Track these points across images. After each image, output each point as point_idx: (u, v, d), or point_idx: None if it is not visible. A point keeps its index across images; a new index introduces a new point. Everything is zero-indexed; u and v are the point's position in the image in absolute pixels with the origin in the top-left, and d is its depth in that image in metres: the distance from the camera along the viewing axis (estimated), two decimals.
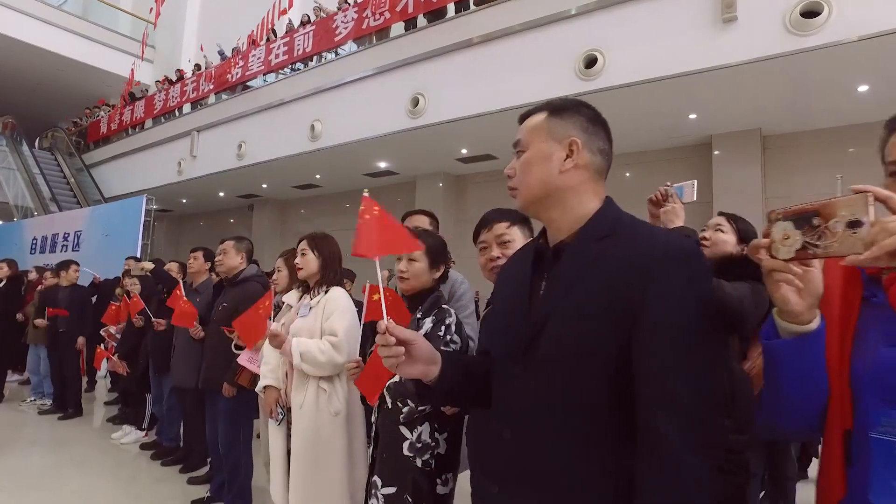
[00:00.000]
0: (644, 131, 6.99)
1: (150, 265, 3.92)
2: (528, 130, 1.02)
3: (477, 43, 6.75)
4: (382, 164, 9.33)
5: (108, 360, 4.69)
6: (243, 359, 2.57)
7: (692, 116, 6.44)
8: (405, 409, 1.66)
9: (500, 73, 6.50)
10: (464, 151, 8.45)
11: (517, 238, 1.57)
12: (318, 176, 10.18)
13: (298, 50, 8.96)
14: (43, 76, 13.88)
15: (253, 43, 9.99)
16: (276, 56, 9.29)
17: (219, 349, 2.90)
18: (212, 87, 10.53)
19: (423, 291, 1.79)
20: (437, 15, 7.42)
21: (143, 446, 4.27)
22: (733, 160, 6.77)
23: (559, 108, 1.01)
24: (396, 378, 1.70)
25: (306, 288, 2.37)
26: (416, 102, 7.26)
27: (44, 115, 15.45)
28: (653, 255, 0.84)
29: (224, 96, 10.46)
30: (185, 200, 12.67)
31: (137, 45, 14.40)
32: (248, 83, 10.00)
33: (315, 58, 8.92)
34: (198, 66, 11.24)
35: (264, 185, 10.94)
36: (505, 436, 0.92)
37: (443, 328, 1.70)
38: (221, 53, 11.02)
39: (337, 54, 8.73)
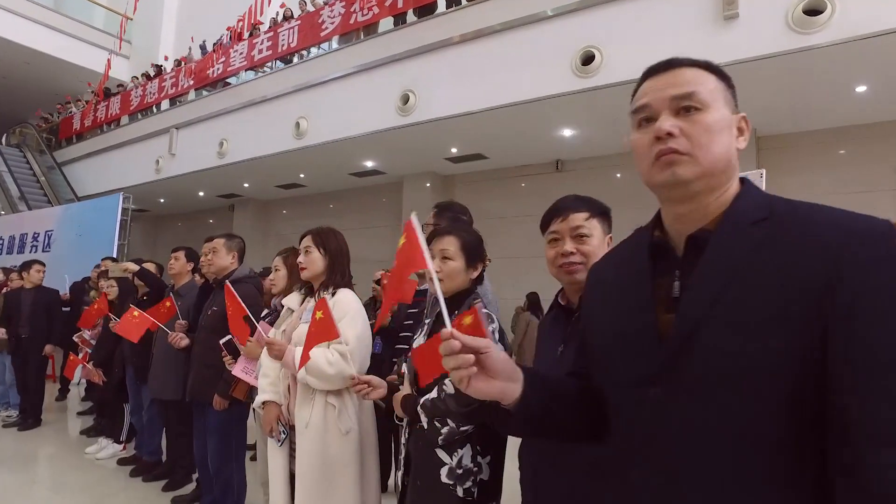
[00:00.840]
0: None
1: (133, 266, 3.64)
2: (707, 87, 0.81)
3: (470, 39, 6.58)
4: (369, 164, 9.09)
5: (82, 367, 4.39)
6: (238, 369, 2.34)
7: None
8: (444, 430, 1.46)
9: (495, 70, 6.34)
10: (454, 150, 8.27)
11: (596, 233, 1.34)
12: (302, 175, 9.89)
13: (283, 45, 8.69)
14: (9, 69, 13.30)
15: (236, 37, 9.67)
16: (260, 51, 9.00)
17: (208, 358, 2.67)
18: (192, 82, 10.18)
19: (459, 293, 1.60)
20: (426, 10, 7.24)
21: (122, 461, 3.98)
22: None
23: (726, 76, 0.85)
24: (432, 394, 1.50)
25: (310, 290, 2.14)
26: (406, 99, 7.05)
27: (11, 110, 14.83)
28: (846, 240, 0.64)
29: (205, 92, 10.11)
30: (162, 200, 12.24)
31: (112, 39, 13.91)
32: (229, 79, 9.68)
33: (300, 53, 8.66)
34: (178, 62, 10.87)
35: (246, 185, 10.61)
36: (645, 481, 0.72)
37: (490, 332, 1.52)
38: (203, 48, 10.67)
39: (321, 49, 8.49)
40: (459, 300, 1.60)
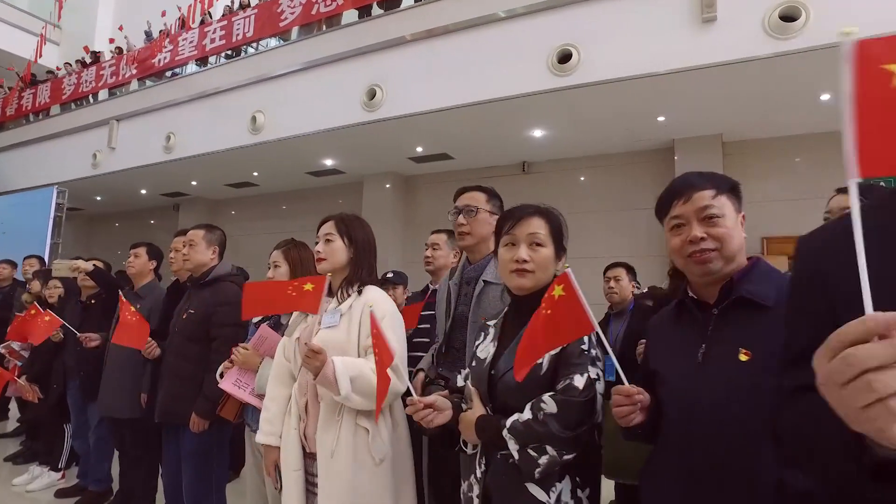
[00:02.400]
0: (609, 132, 6.88)
1: (84, 264, 3.17)
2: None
3: (442, 33, 6.36)
4: (329, 162, 8.70)
5: (10, 383, 3.83)
6: (227, 384, 1.99)
7: (660, 119, 6.38)
8: (543, 460, 1.20)
9: (468, 66, 6.15)
10: (419, 150, 8.02)
11: (728, 212, 1.15)
12: (255, 173, 9.37)
13: (237, 35, 8.18)
14: None
15: (184, 24, 9.05)
16: (212, 41, 8.44)
17: (183, 369, 2.30)
18: (134, 71, 9.44)
19: (542, 292, 1.36)
20: (392, 3, 6.98)
21: (61, 492, 3.46)
22: (696, 166, 6.74)
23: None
24: (524, 415, 1.24)
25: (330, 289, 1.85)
26: (372, 94, 6.75)
27: None
28: None
29: (149, 83, 9.42)
30: (99, 198, 11.33)
31: (39, 22, 12.81)
32: (178, 69, 9.04)
33: (256, 44, 8.18)
34: (119, 50, 10.08)
35: (194, 183, 9.94)
36: None
37: (585, 340, 1.28)
38: (148, 34, 9.95)
39: (280, 41, 8.05)
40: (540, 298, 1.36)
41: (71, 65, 11.03)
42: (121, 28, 10.81)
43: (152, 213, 12.01)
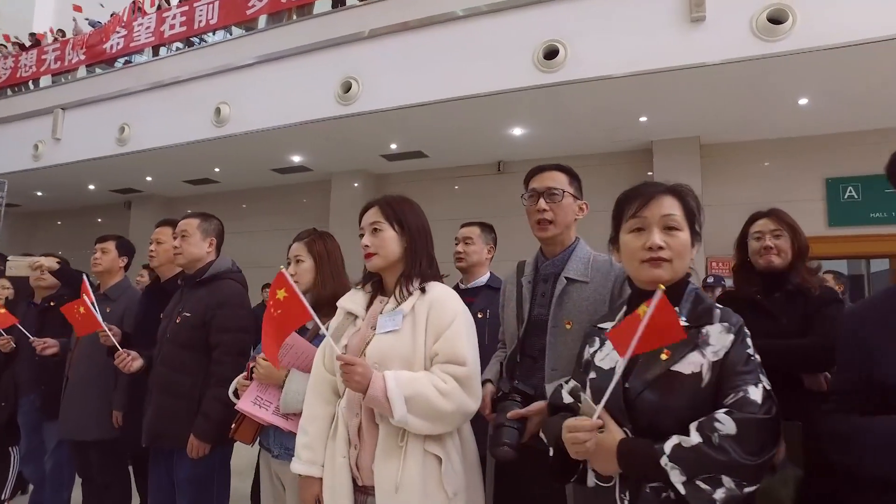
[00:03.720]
0: (590, 132, 6.81)
1: (47, 261, 2.76)
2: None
3: (424, 25, 6.13)
4: (297, 158, 8.32)
5: None
6: (246, 403, 1.69)
7: (642, 119, 6.35)
8: (719, 494, 0.98)
9: (450, 60, 5.94)
10: (393, 147, 7.76)
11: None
12: (217, 169, 8.85)
13: (200, 21, 7.69)
14: None
15: (139, 10, 8.45)
16: (172, 27, 7.91)
17: (176, 384, 1.98)
18: (83, 57, 8.76)
19: (679, 284, 1.17)
20: None
21: None
22: (674, 168, 6.79)
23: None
24: (691, 438, 1.02)
25: (377, 285, 1.56)
26: (347, 87, 6.44)
27: None
28: None
29: (98, 70, 8.77)
30: (40, 193, 10.48)
31: None
32: (132, 56, 8.45)
33: (221, 33, 7.72)
34: (62, 33, 9.35)
35: (149, 178, 9.32)
36: None
37: (749, 344, 1.09)
38: (94, 23, 9.27)
39: (245, 30, 7.62)
40: (679, 292, 1.16)
41: (6, 46, 10.16)
42: (79, 9, 10.03)
43: (100, 210, 11.22)
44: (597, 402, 1.07)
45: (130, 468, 2.61)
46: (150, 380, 2.14)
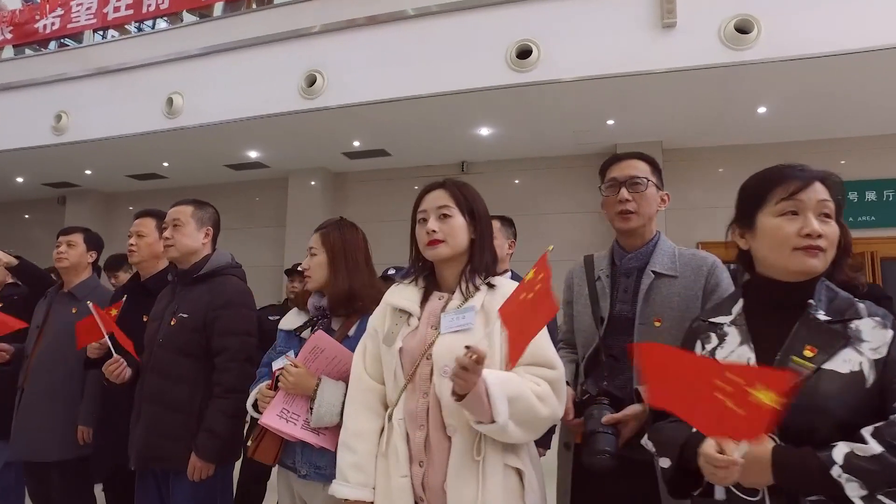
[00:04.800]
0: (557, 133, 6.85)
1: (7, 257, 2.43)
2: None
3: (393, 19, 5.98)
4: (254, 154, 7.95)
5: None
6: (272, 417, 1.49)
7: (610, 122, 6.44)
8: None
9: (422, 55, 5.83)
10: (356, 144, 7.55)
11: None
12: (166, 164, 8.34)
13: (149, 6, 7.21)
14: None
15: None
16: (116, 9, 7.38)
17: (172, 395, 1.76)
18: (9, 36, 8.05)
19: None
20: None
21: None
22: None
23: None
24: (871, 446, 0.92)
25: (430, 279, 1.40)
26: (312, 81, 6.19)
27: None
28: None
29: (28, 51, 8.07)
30: None
31: None
32: (68, 38, 7.83)
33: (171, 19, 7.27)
34: None
35: (88, 172, 8.66)
36: None
37: None
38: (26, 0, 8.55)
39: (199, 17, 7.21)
40: (814, 283, 1.12)
41: None
42: None
43: (29, 205, 10.35)
44: None
45: (102, 492, 2.33)
46: (137, 391, 1.88)
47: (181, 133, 6.89)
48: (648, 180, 1.60)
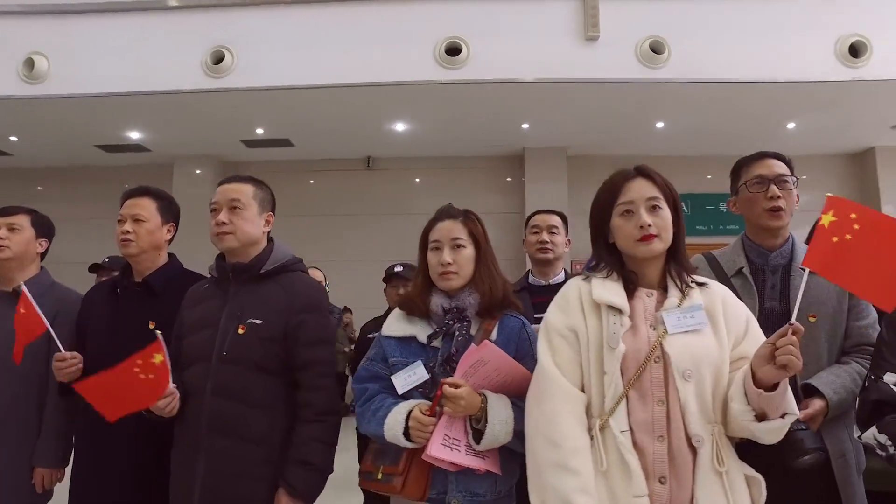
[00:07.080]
0: (472, 133, 6.90)
1: None
2: None
3: (314, 1, 5.60)
4: (134, 135, 6.98)
5: None
6: (436, 446, 1.20)
7: (525, 126, 6.65)
8: None
9: (345, 42, 5.51)
10: (259, 131, 6.98)
11: None
12: (14, 138, 6.99)
13: None
14: None
15: None
16: None
17: (248, 423, 1.42)
18: None
19: None
20: None
21: None
22: (544, 175, 7.27)
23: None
24: None
25: (629, 276, 1.25)
26: (219, 58, 5.58)
27: None
28: None
29: None
30: None
31: None
32: None
33: None
34: None
35: None
36: None
37: None
38: None
39: None
40: None
41: None
42: None
43: None
44: None
45: None
46: (180, 420, 1.45)
47: (41, 103, 5.81)
48: (797, 179, 1.64)
